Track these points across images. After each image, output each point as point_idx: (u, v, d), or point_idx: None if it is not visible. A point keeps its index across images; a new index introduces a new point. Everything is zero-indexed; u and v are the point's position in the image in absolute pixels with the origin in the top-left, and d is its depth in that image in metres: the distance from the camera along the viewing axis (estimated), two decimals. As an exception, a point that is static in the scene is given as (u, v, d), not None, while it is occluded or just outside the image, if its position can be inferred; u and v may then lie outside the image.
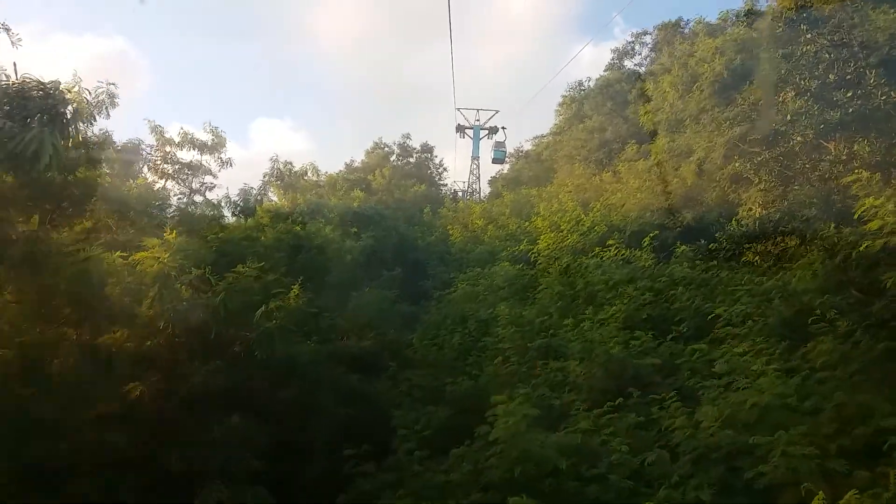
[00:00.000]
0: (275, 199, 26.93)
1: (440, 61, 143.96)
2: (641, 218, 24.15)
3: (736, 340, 12.17)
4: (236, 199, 22.81)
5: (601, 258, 21.08)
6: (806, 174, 16.42)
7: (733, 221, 18.39)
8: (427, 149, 60.17)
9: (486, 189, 61.28)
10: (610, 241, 21.01)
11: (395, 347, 16.59)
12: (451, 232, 37.37)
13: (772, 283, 13.39)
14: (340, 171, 59.81)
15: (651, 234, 20.02)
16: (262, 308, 11.62)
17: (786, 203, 16.78)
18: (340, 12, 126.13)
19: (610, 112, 46.10)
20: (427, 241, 35.59)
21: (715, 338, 12.90)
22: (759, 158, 17.43)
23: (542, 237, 26.81)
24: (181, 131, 23.37)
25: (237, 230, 18.57)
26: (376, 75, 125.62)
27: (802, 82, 16.92)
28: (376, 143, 60.76)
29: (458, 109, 59.82)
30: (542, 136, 60.01)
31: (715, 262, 17.45)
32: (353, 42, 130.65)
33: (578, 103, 51.59)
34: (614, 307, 15.17)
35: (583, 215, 28.56)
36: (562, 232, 27.03)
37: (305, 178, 26.38)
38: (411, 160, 59.89)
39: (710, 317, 13.45)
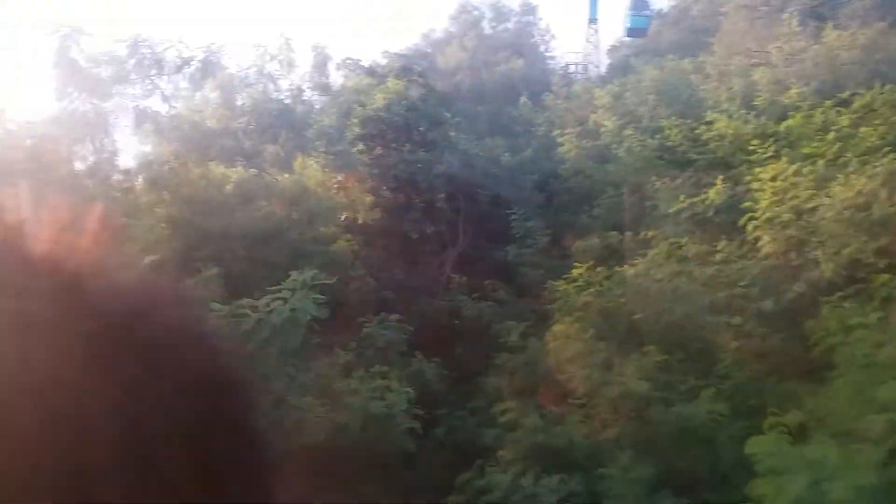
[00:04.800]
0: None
1: None
2: None
3: None
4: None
5: None
6: None
7: None
8: (529, 9, 43.75)
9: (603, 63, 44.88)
10: None
11: None
12: (560, 139, 22.38)
13: None
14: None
15: None
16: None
17: None
18: None
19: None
20: (518, 156, 20.89)
21: None
22: None
23: (769, 167, 11.81)
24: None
25: None
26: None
27: None
28: (462, 6, 45.15)
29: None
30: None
31: None
32: None
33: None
34: None
35: (838, 115, 13.28)
36: (816, 149, 11.95)
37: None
38: (508, 26, 43.96)
39: None
